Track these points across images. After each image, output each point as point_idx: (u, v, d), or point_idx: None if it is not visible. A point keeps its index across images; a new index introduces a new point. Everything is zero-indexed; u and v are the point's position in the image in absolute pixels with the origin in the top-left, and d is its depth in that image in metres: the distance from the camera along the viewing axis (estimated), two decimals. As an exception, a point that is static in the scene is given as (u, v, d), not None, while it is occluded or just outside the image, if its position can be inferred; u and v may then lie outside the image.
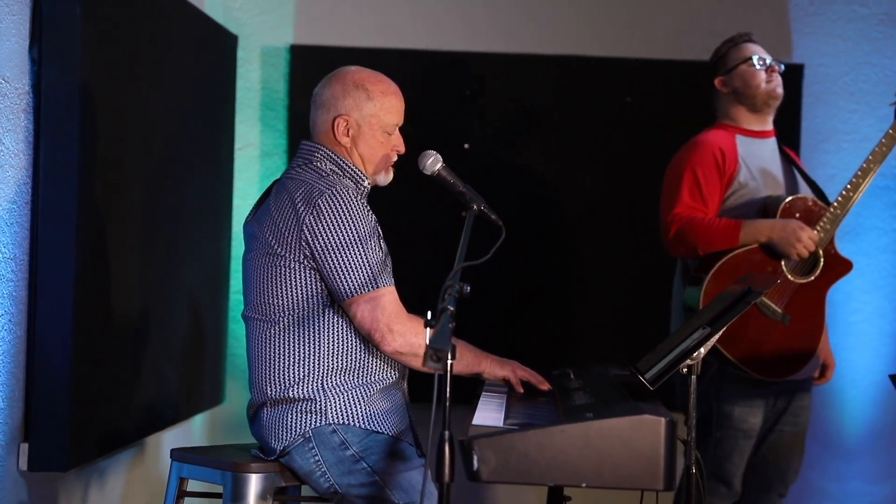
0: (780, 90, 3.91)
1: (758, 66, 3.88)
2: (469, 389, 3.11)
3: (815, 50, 4.71)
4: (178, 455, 3.19)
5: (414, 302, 3.05)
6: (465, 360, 3.09)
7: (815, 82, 4.72)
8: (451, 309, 2.49)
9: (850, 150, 4.71)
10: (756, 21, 4.69)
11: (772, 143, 3.97)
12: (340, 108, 3.09)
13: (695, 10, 4.79)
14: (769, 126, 3.96)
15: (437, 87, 4.71)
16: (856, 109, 4.78)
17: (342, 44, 4.72)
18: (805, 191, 3.93)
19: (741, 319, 3.63)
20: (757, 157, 3.91)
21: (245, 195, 4.71)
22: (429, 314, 2.49)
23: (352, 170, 3.10)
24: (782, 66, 3.93)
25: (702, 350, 2.84)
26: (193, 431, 4.59)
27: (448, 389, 2.42)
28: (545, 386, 3.13)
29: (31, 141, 3.20)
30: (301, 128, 4.67)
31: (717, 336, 2.85)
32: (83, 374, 3.28)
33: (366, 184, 3.12)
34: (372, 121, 3.10)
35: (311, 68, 4.69)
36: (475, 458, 2.49)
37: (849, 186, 3.77)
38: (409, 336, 2.97)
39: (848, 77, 4.79)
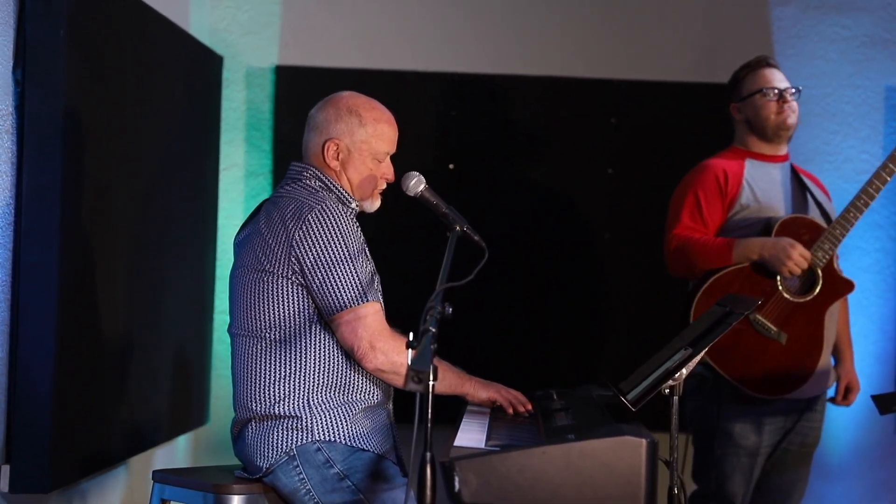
0: (791, 120, 3.91)
1: (769, 97, 3.88)
2: (452, 409, 3.11)
3: (798, 72, 4.73)
4: (161, 476, 3.18)
5: (397, 322, 3.06)
6: (448, 381, 3.09)
7: (799, 103, 4.74)
8: (433, 330, 2.49)
9: (832, 171, 4.72)
10: (740, 42, 4.71)
11: (785, 167, 3.98)
12: (332, 131, 3.11)
13: (680, 33, 4.81)
14: (782, 151, 3.97)
15: (423, 108, 4.72)
16: (838, 131, 4.80)
17: (327, 64, 4.73)
18: (813, 214, 3.92)
19: (735, 337, 3.68)
20: (765, 181, 3.92)
21: (230, 215, 4.71)
22: (411, 336, 2.50)
23: (339, 191, 3.11)
24: (796, 91, 3.91)
25: (684, 371, 2.84)
26: (177, 452, 4.58)
27: (430, 411, 2.42)
28: (526, 407, 3.13)
29: (14, 162, 3.20)
30: (286, 148, 4.69)
31: (698, 357, 2.86)
32: (66, 395, 3.27)
33: (353, 205, 3.13)
34: (362, 147, 3.11)
35: (296, 89, 4.71)
36: (457, 479, 2.49)
37: (850, 208, 3.77)
38: (392, 354, 2.97)
39: (830, 98, 4.81)
